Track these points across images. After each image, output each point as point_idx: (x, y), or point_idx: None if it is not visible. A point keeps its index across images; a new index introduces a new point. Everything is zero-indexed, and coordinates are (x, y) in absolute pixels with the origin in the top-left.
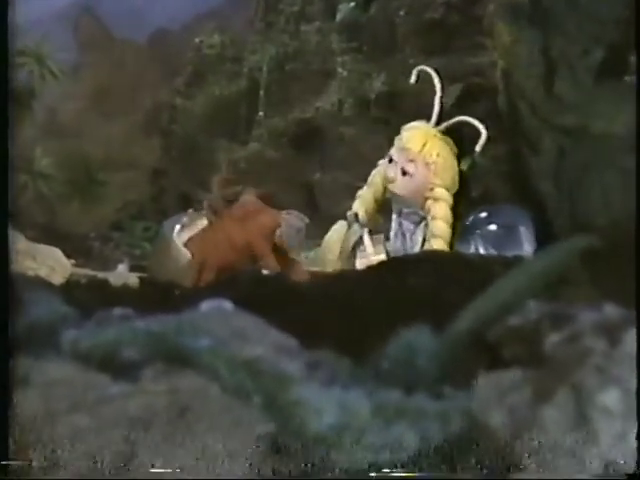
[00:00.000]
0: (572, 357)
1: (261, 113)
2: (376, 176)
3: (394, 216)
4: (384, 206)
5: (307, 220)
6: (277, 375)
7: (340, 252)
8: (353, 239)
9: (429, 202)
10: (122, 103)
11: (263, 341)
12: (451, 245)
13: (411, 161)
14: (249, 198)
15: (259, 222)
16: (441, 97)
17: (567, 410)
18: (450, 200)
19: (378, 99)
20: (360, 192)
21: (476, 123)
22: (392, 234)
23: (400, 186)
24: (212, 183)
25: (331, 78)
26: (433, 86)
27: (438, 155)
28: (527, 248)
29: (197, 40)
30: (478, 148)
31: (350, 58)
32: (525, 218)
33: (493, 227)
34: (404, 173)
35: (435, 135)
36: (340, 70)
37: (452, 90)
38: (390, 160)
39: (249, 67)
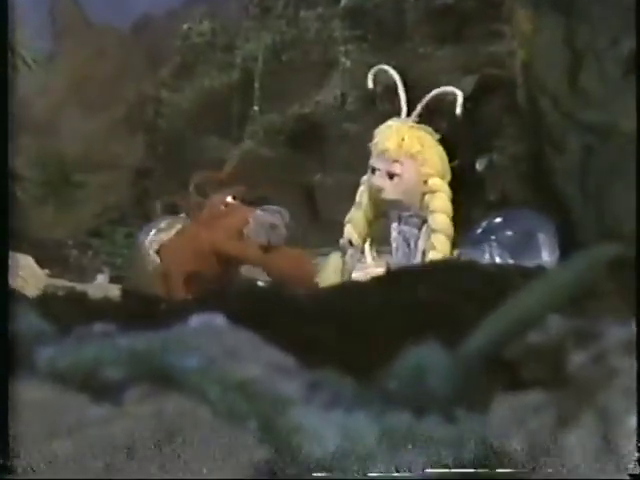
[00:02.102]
0: (598, 378)
1: (256, 108)
2: (363, 195)
3: (394, 225)
4: (377, 227)
5: (287, 216)
6: (274, 397)
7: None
8: (352, 266)
9: (427, 197)
10: (102, 96)
11: (258, 360)
12: (453, 242)
13: (395, 161)
14: (217, 198)
15: (225, 224)
16: (405, 89)
17: (592, 435)
18: (448, 191)
19: (385, 92)
20: (349, 215)
21: (447, 89)
22: (394, 246)
23: (392, 191)
24: (190, 181)
25: (333, 69)
26: (446, 75)
27: (421, 145)
28: (546, 257)
29: (185, 27)
30: (458, 111)
31: (354, 47)
32: (545, 224)
33: (509, 233)
34: (391, 176)
35: (411, 127)
36: (343, 60)
37: (466, 82)
38: (373, 170)
39: (242, 57)
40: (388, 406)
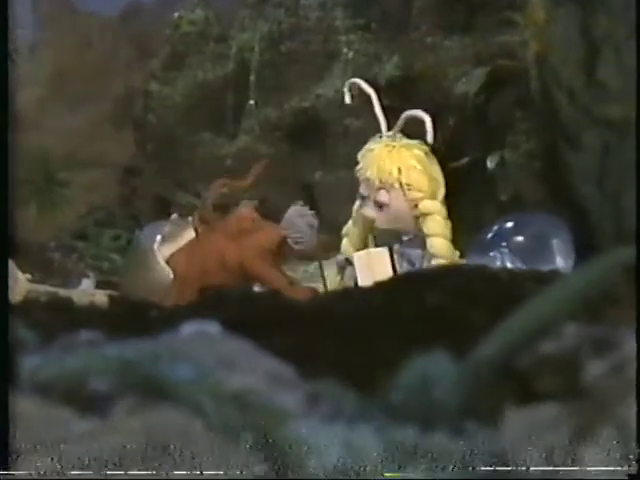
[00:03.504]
0: (616, 389)
1: (252, 102)
2: (359, 212)
3: (395, 247)
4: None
5: (317, 220)
6: (271, 409)
7: None
8: (351, 284)
9: (421, 220)
10: (88, 89)
11: (255, 370)
12: (462, 247)
13: (379, 189)
14: (246, 211)
15: (255, 240)
16: (380, 103)
17: (610, 451)
18: (442, 210)
19: (390, 85)
20: (346, 228)
21: (417, 113)
22: (398, 266)
23: (383, 221)
24: (209, 188)
25: (334, 60)
26: (455, 67)
27: (399, 170)
28: (561, 263)
29: (176, 15)
30: (429, 139)
31: (357, 37)
32: (559, 228)
33: (521, 239)
34: (380, 206)
35: (390, 149)
36: (345, 51)
37: (476, 75)
38: (362, 197)
39: (238, 47)
40: (392, 419)
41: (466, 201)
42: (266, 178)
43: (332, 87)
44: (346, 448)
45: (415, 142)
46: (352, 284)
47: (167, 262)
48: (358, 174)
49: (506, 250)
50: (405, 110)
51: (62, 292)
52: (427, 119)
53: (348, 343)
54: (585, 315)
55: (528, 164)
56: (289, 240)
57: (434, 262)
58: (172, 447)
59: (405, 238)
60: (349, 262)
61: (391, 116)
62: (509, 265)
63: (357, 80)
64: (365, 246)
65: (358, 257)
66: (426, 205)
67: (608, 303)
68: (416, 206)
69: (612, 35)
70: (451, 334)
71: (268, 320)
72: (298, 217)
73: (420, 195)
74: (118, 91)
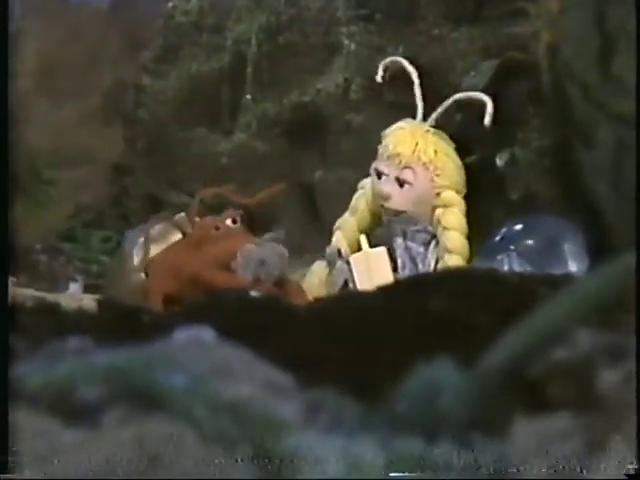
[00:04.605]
0: (631, 399)
1: (248, 96)
2: (359, 200)
3: (398, 241)
4: (372, 239)
5: (286, 253)
6: (269, 420)
7: None
8: (340, 281)
9: (438, 211)
10: (75, 83)
11: (251, 378)
12: (469, 262)
13: (406, 167)
14: (210, 220)
15: (212, 252)
16: (420, 87)
17: (625, 463)
18: (463, 206)
19: (394, 79)
20: (340, 221)
21: (472, 95)
22: (399, 263)
23: (400, 201)
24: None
25: (336, 53)
26: (463, 60)
27: (436, 152)
28: (573, 267)
29: (169, 5)
30: (487, 121)
31: (359, 28)
32: (571, 231)
33: (531, 242)
34: (402, 184)
35: (427, 131)
36: (347, 43)
37: (485, 68)
38: (379, 175)
39: (234, 39)
40: (396, 430)
41: (474, 200)
42: (264, 177)
43: (333, 81)
44: (347, 460)
45: (446, 136)
46: (341, 280)
47: (146, 266)
48: (381, 150)
49: (514, 254)
50: (409, 105)
51: (49, 297)
52: (487, 100)
53: (349, 350)
54: (598, 321)
55: (539, 162)
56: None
57: (447, 256)
58: (164, 459)
59: (413, 228)
60: (339, 254)
61: (394, 112)
62: (517, 269)
63: (399, 59)
64: (359, 242)
65: (355, 259)
66: (449, 196)
67: (622, 308)
68: (438, 194)
69: (627, 27)
70: (457, 341)
71: (265, 326)
72: (246, 258)
73: (447, 184)
74: (107, 85)
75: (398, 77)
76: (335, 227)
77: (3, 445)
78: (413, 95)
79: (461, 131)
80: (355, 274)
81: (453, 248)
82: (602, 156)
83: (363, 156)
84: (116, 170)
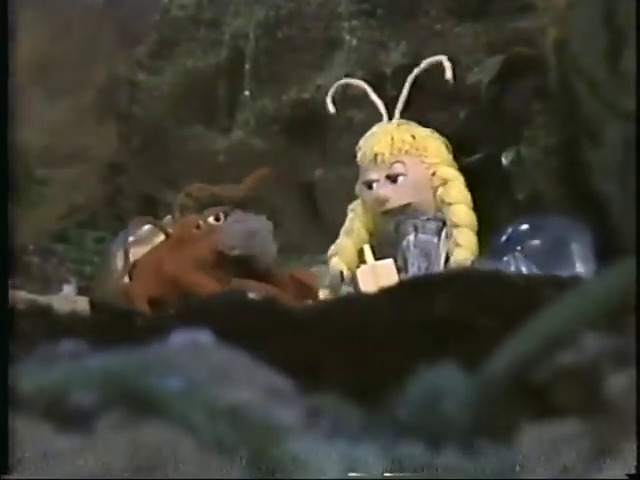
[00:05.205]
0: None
1: (247, 92)
2: (354, 221)
3: (410, 238)
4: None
5: (270, 225)
6: (268, 425)
7: None
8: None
9: (440, 190)
10: (68, 79)
11: (250, 382)
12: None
13: (392, 163)
14: (192, 218)
15: (193, 251)
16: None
17: (633, 469)
18: (462, 178)
19: (396, 74)
20: (334, 248)
21: (427, 62)
22: (410, 263)
23: (399, 195)
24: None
25: (336, 49)
26: (467, 56)
27: (413, 137)
28: (581, 268)
29: None
30: (448, 75)
31: (361, 23)
32: (578, 231)
33: (537, 243)
34: (394, 179)
35: (397, 125)
36: (348, 38)
37: (490, 64)
38: (370, 186)
39: (231, 34)
40: (398, 436)
41: (480, 200)
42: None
43: (334, 77)
44: (348, 466)
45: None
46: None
47: (132, 267)
48: (361, 160)
49: (521, 255)
50: (413, 101)
51: (41, 299)
52: (444, 59)
53: (351, 354)
54: (606, 324)
55: (546, 160)
56: (230, 250)
57: (455, 231)
58: (160, 465)
59: (423, 218)
60: (342, 277)
61: (396, 106)
62: (524, 271)
63: (343, 81)
64: (359, 262)
65: (362, 272)
66: (445, 171)
67: (630, 311)
68: (434, 174)
69: (638, 21)
70: (462, 344)
71: (264, 329)
72: (231, 230)
73: (437, 160)
74: (101, 81)
75: (402, 72)
76: (330, 254)
77: (3, 445)
78: (416, 91)
79: (465, 129)
80: (362, 287)
81: (461, 221)
82: (610, 155)
83: None
84: (110, 169)
